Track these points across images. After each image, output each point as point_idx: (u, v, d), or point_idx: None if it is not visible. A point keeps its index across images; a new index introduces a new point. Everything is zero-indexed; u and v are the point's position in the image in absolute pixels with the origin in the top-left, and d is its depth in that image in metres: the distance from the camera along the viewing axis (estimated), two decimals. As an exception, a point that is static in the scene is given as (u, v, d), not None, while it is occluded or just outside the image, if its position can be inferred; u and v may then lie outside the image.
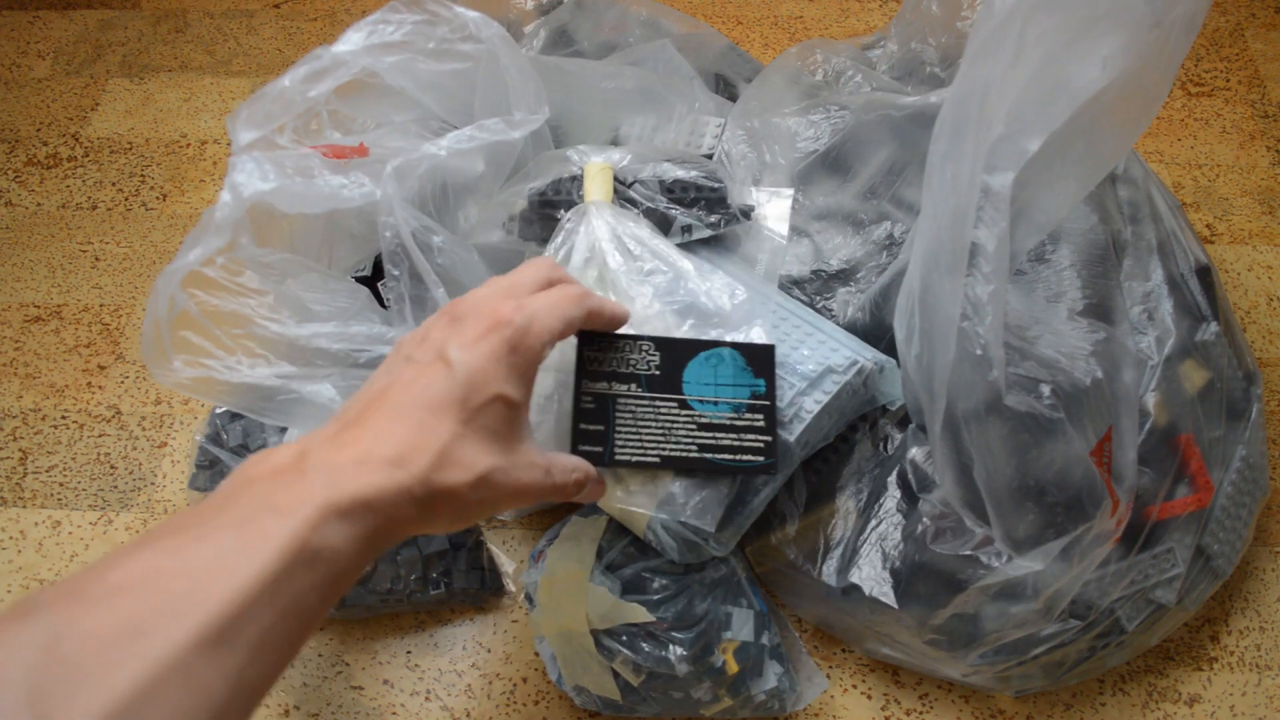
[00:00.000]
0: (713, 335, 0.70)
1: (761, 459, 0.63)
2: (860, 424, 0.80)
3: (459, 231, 0.85)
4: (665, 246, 0.75)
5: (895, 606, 0.74)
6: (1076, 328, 0.72)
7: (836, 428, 0.77)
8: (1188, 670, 0.83)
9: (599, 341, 0.68)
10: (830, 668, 0.84)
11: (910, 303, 0.70)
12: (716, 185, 0.80)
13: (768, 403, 0.64)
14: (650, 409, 0.65)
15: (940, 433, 0.66)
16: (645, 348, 0.67)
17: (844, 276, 0.83)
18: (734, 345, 0.65)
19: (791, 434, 0.71)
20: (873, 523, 0.77)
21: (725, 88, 1.03)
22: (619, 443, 0.64)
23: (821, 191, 0.86)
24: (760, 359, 0.65)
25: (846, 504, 0.79)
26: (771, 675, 0.77)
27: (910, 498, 0.76)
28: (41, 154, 1.21)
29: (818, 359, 0.74)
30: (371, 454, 0.44)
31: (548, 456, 0.53)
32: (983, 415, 0.63)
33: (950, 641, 0.74)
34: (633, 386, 0.65)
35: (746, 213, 0.82)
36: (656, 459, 0.63)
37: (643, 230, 0.76)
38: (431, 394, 0.47)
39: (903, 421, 0.79)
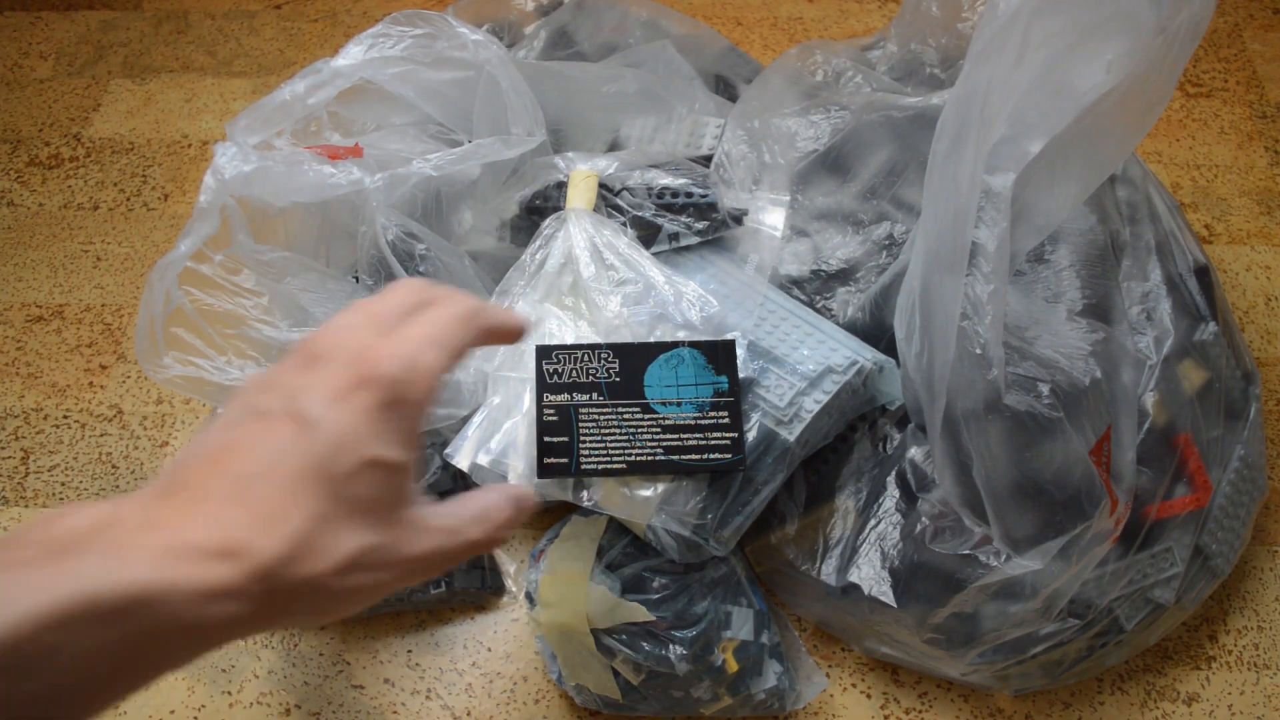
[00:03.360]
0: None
1: (729, 456, 0.63)
2: (860, 424, 0.80)
3: (454, 236, 0.85)
4: (640, 257, 0.76)
5: (894, 606, 0.74)
6: (1075, 328, 0.73)
7: (836, 428, 0.77)
8: (1186, 669, 0.84)
9: (556, 353, 0.68)
10: (830, 667, 0.84)
11: (911, 301, 0.71)
12: (705, 192, 0.80)
13: (732, 399, 0.64)
14: (613, 416, 0.65)
15: (940, 432, 0.67)
16: (604, 355, 0.67)
17: (844, 276, 0.83)
18: (693, 344, 0.65)
19: (791, 434, 0.72)
20: (872, 522, 0.77)
21: (725, 88, 1.03)
22: (584, 452, 0.64)
23: (821, 191, 0.86)
24: (721, 356, 0.65)
25: (846, 503, 0.79)
26: (771, 674, 0.77)
27: (909, 497, 0.76)
28: (43, 154, 1.21)
29: (817, 359, 0.74)
30: (186, 541, 0.33)
31: (450, 512, 0.43)
32: (982, 414, 0.64)
33: (949, 640, 0.75)
34: (594, 395, 0.65)
35: (738, 218, 0.82)
36: (623, 465, 0.63)
37: (620, 240, 0.76)
38: (283, 462, 0.36)
39: (902, 421, 0.79)
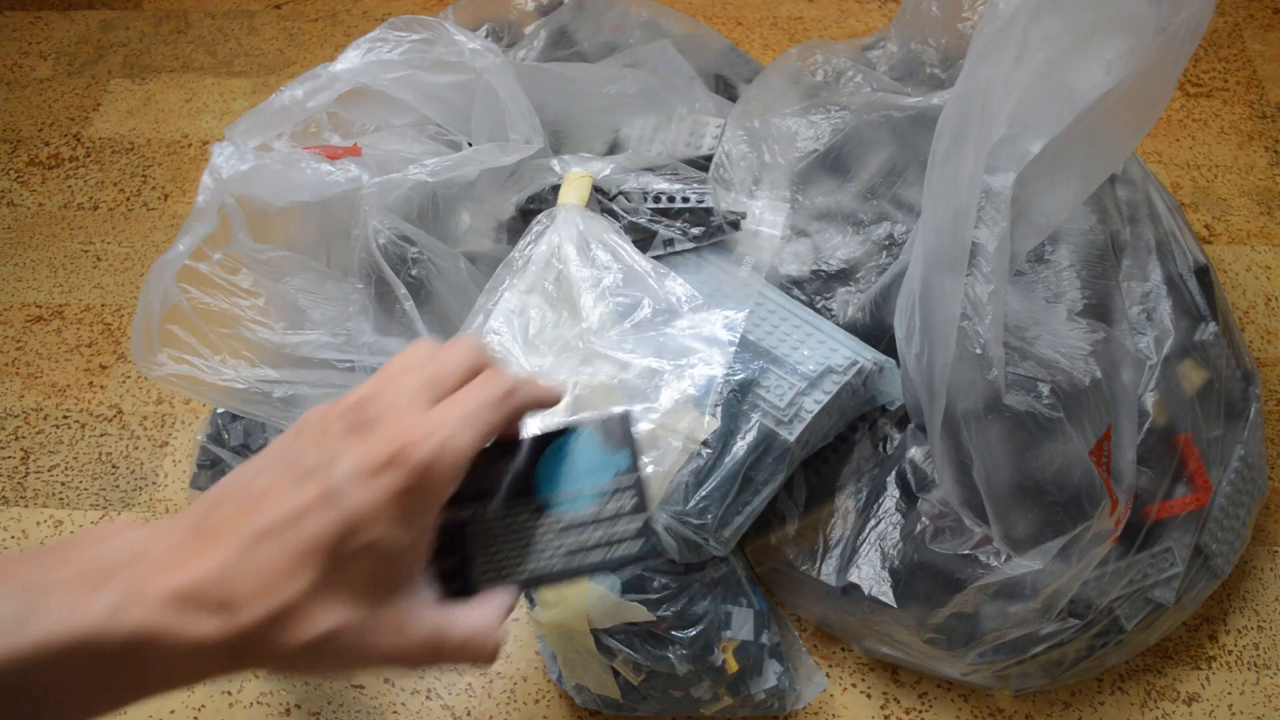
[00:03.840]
0: (674, 330, 0.70)
1: (637, 547, 0.55)
2: (860, 424, 0.80)
3: (452, 238, 0.85)
4: (628, 248, 0.76)
5: (894, 606, 0.74)
6: (1076, 328, 0.73)
7: (836, 428, 0.77)
8: (1186, 669, 0.84)
9: None
10: (830, 667, 0.84)
11: (911, 302, 0.71)
12: (701, 197, 0.80)
13: (634, 475, 0.56)
14: (502, 524, 0.56)
15: (940, 432, 0.67)
16: (489, 456, 0.57)
17: (844, 276, 0.83)
18: (585, 425, 0.57)
19: (791, 434, 0.72)
20: (872, 522, 0.77)
21: (725, 88, 1.03)
22: (479, 569, 0.54)
23: (821, 191, 0.86)
24: (618, 431, 0.57)
25: (846, 504, 0.79)
26: (771, 674, 0.77)
27: (909, 497, 0.76)
28: (43, 154, 1.21)
29: (818, 359, 0.74)
30: (194, 590, 0.36)
31: (440, 623, 0.43)
32: (982, 414, 0.64)
33: (949, 640, 0.74)
34: (481, 504, 0.56)
35: (735, 222, 0.81)
36: (521, 578, 0.56)
37: (608, 234, 0.76)
38: (298, 529, 0.38)
39: (902, 421, 0.79)
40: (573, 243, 0.75)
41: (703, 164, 0.89)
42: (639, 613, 0.74)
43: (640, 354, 0.72)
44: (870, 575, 0.76)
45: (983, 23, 0.59)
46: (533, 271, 0.77)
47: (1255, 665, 0.83)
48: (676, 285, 0.75)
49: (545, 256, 0.77)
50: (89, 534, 0.38)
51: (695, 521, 0.70)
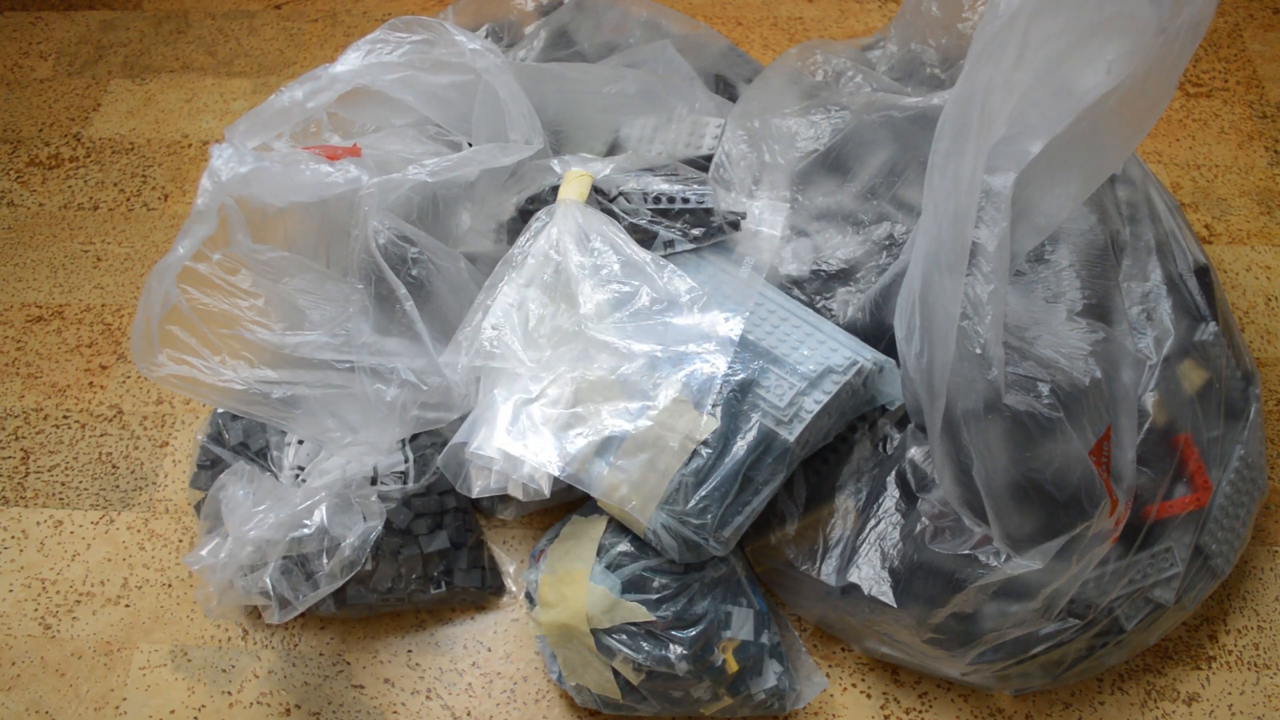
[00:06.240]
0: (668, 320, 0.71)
1: None
2: (860, 424, 0.80)
3: (452, 239, 0.85)
4: (626, 240, 0.76)
5: (894, 606, 0.74)
6: (1075, 328, 0.73)
7: (836, 428, 0.77)
8: (1186, 669, 0.84)
9: None
10: (830, 667, 0.84)
11: (911, 301, 0.71)
12: (702, 198, 0.80)
13: None
14: None
15: (940, 432, 0.67)
16: None
17: (844, 276, 0.83)
18: None
19: (791, 434, 0.72)
20: (872, 522, 0.77)
21: (725, 88, 1.03)
22: None
23: (821, 191, 0.86)
24: None
25: (846, 504, 0.79)
26: (771, 674, 0.77)
27: (909, 497, 0.76)
28: (43, 154, 1.21)
29: (817, 359, 0.74)
30: None
31: None
32: (982, 414, 0.64)
33: (949, 640, 0.74)
34: None
35: (735, 223, 0.81)
36: None
37: (608, 228, 0.76)
38: None
39: (902, 421, 0.79)
40: (571, 235, 0.76)
41: (703, 164, 0.89)
42: (639, 613, 0.74)
43: (637, 341, 0.72)
44: (870, 575, 0.76)
45: (983, 23, 0.59)
46: (531, 264, 0.77)
47: (1255, 665, 0.83)
48: (676, 278, 0.75)
49: (544, 250, 0.77)
50: None
51: (695, 521, 0.70)
